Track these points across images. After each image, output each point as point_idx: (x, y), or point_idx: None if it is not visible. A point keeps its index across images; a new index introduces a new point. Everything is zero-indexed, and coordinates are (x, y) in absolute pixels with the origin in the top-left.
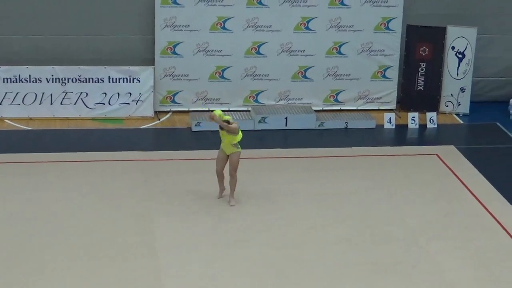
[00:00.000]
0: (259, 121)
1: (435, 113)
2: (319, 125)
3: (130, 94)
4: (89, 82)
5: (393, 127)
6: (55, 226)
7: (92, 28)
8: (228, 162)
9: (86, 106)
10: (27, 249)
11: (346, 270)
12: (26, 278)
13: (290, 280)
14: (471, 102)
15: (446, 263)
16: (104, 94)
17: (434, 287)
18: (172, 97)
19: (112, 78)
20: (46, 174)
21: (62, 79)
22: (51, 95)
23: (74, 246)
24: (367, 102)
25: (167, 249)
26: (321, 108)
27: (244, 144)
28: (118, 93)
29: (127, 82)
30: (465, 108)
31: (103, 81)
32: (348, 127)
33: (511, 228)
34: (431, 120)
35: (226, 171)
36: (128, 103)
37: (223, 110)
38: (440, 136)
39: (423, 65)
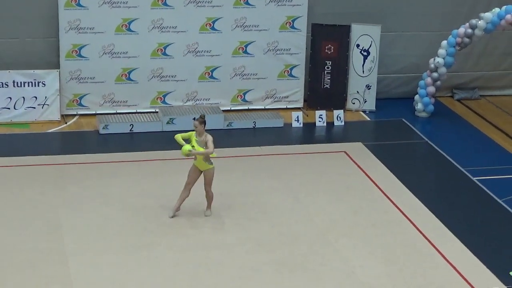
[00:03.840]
0: (167, 122)
1: (342, 110)
2: (227, 125)
3: (36, 98)
4: None
5: (301, 125)
6: None
7: None
8: (203, 178)
9: None
10: None
11: (255, 271)
12: None
13: (203, 283)
14: (377, 99)
15: (355, 260)
16: (9, 99)
17: (344, 284)
18: (79, 100)
19: (17, 82)
20: None
21: None
22: None
23: None
24: (275, 101)
25: (77, 254)
26: (229, 108)
27: (152, 146)
28: (23, 97)
29: (32, 86)
30: (371, 105)
31: (7, 85)
32: (256, 127)
33: (419, 223)
34: (338, 118)
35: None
36: (34, 107)
37: (131, 112)
38: (348, 134)
39: (329, 63)
